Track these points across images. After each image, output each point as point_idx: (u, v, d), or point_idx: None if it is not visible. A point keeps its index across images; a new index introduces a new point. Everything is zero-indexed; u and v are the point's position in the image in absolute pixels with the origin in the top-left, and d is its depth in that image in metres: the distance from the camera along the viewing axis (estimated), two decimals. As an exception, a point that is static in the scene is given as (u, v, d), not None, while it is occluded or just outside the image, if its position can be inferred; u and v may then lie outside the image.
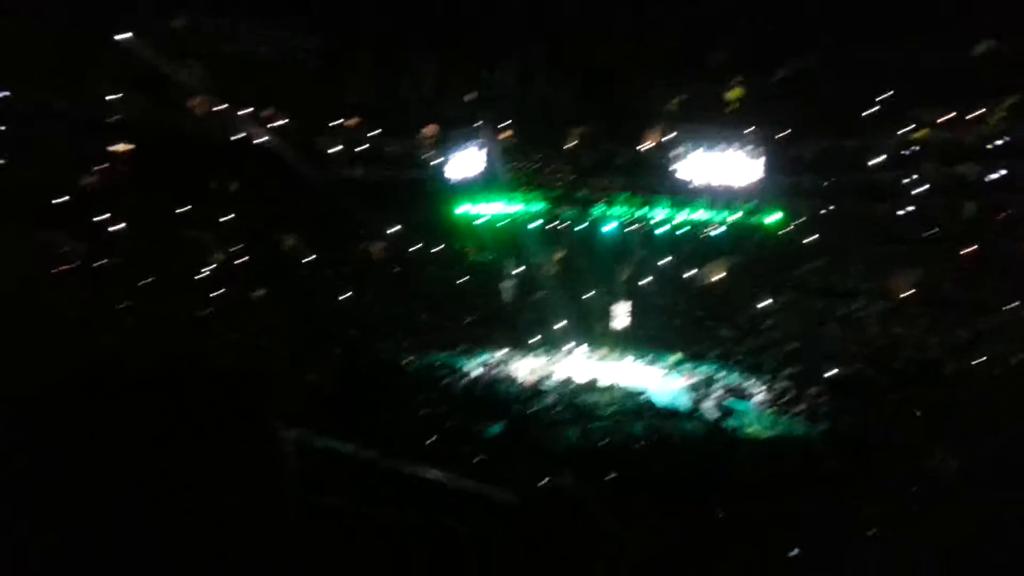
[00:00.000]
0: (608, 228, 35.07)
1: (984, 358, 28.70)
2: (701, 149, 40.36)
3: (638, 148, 50.84)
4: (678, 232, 37.16)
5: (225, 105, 46.06)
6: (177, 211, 41.02)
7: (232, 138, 46.68)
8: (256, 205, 42.35)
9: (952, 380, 27.40)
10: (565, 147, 50.92)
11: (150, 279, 33.40)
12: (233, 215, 42.49)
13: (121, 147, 43.16)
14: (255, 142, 46.85)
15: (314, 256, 42.81)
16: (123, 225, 38.87)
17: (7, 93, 39.54)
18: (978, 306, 31.97)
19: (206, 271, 37.69)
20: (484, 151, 42.50)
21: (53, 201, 37.02)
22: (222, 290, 34.73)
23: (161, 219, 39.88)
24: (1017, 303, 31.99)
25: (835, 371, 29.74)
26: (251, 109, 46.89)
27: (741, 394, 29.31)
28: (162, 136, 43.32)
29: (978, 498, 17.35)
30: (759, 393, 29.26)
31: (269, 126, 48.22)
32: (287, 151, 46.12)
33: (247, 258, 39.97)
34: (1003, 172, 38.50)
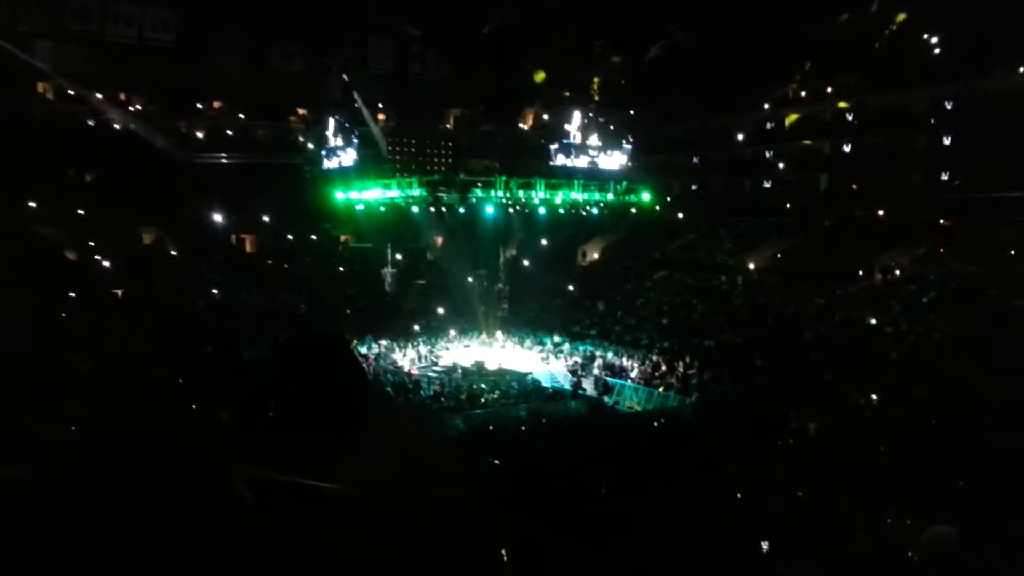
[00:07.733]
0: (487, 211, 35.26)
1: (839, 322, 30.78)
2: (576, 131, 41.09)
3: (515, 130, 51.24)
4: (556, 213, 37.79)
5: (78, 89, 42.96)
6: (28, 205, 38.04)
7: (87, 124, 43.59)
8: (116, 196, 39.74)
9: (810, 345, 29.25)
10: (442, 129, 50.63)
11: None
12: (90, 208, 39.73)
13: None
14: (112, 128, 43.95)
15: (182, 250, 40.79)
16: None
17: None
18: (832, 274, 34.11)
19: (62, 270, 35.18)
20: (360, 134, 41.64)
21: None
22: (81, 291, 32.49)
23: (10, 215, 36.84)
24: (867, 270, 34.45)
25: (704, 343, 31.23)
26: (106, 92, 43.87)
27: (619, 371, 30.38)
28: (8, 124, 39.87)
29: (841, 455, 18.75)
30: (635, 369, 30.42)
31: (127, 110, 45.32)
32: (148, 137, 43.50)
33: (108, 255, 37.52)
34: (852, 145, 41.18)
